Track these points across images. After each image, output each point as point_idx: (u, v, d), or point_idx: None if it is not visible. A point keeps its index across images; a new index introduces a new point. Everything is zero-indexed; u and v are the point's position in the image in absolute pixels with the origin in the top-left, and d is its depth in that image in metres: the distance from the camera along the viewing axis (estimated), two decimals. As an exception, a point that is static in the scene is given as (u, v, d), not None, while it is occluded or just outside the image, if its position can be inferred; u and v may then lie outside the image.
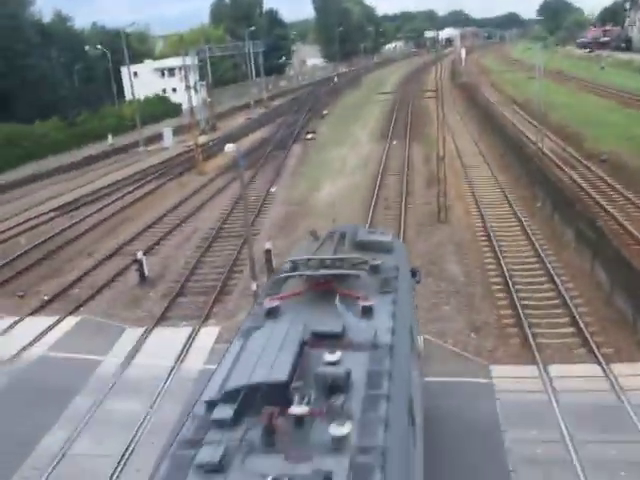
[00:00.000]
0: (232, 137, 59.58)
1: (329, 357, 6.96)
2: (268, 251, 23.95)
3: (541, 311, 19.90)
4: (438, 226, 28.96)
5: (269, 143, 55.84)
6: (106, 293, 24.14)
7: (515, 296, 20.73)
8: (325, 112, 75.04)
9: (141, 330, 20.35)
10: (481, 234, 27.84)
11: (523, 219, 29.13)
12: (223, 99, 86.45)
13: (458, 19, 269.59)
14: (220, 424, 6.18)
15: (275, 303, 8.75)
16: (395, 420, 6.47)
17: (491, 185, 36.33)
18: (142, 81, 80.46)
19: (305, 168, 45.05)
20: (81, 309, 22.50)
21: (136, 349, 19.04)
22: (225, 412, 6.26)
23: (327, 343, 7.30)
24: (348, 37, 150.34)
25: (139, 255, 25.39)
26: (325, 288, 9.07)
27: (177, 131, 63.66)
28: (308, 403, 6.22)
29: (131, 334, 20.04)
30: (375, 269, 9.81)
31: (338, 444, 5.83)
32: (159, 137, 62.14)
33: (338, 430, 5.88)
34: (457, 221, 29.85)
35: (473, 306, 20.62)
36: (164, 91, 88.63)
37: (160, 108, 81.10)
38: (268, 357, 6.79)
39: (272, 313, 8.60)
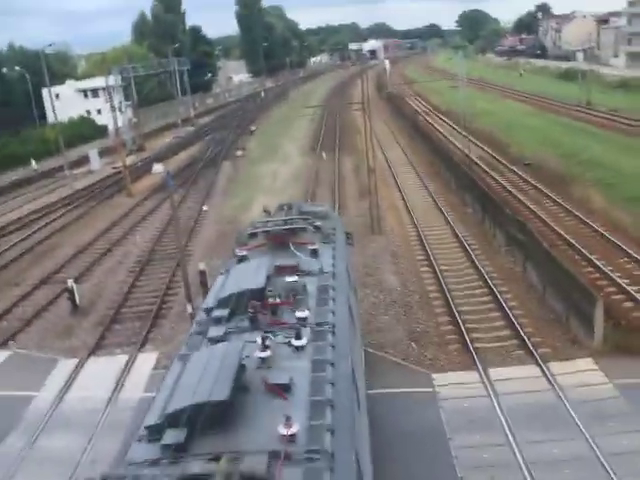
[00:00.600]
0: (160, 157, 58.91)
1: (290, 278, 10.31)
2: (202, 272, 23.61)
3: (478, 316, 20.20)
4: (372, 238, 29.18)
5: (198, 161, 55.48)
6: (36, 324, 23.34)
7: (452, 303, 20.99)
8: (253, 128, 75.03)
9: (75, 361, 19.75)
10: (415, 243, 28.17)
11: (455, 226, 29.61)
12: (149, 119, 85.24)
13: (381, 30, 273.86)
14: (219, 320, 9.13)
15: (244, 252, 12.12)
16: (339, 308, 9.81)
17: (422, 194, 36.96)
18: (65, 102, 78.51)
19: (236, 185, 44.94)
20: (10, 343, 21.68)
21: (70, 382, 18.45)
22: (221, 312, 9.32)
23: (287, 271, 10.60)
24: (273, 52, 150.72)
25: (69, 283, 24.67)
26: (281, 240, 12.49)
27: (104, 153, 62.41)
28: (279, 298, 9.40)
29: (64, 366, 19.42)
30: (317, 227, 13.26)
31: (302, 322, 8.77)
32: (86, 160, 60.75)
33: (302, 313, 8.99)
34: (391, 231, 30.21)
35: (411, 315, 20.77)
36: (88, 112, 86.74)
37: (85, 130, 79.39)
38: (247, 277, 10.08)
39: (242, 259, 11.85)
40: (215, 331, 8.76)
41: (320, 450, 6.07)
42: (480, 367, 16.91)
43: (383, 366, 17.20)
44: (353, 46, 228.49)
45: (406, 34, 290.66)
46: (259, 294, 9.41)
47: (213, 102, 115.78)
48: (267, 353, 7.76)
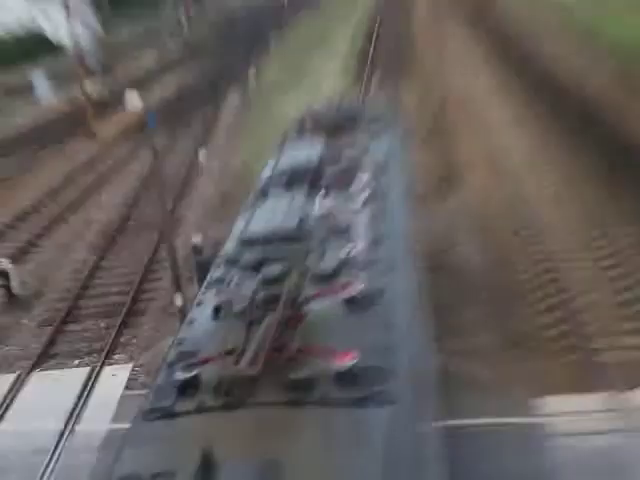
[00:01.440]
0: (140, 83, 59.15)
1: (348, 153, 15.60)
2: (197, 249, 23.73)
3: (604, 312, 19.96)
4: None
5: (194, 90, 56.02)
6: (-44, 324, 23.75)
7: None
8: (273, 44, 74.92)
9: (10, 378, 19.98)
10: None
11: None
12: (123, 27, 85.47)
13: None
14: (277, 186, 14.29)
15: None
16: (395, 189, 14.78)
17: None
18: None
19: (247, 125, 45.09)
20: None
21: (5, 407, 18.66)
22: (281, 181, 14.35)
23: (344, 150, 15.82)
24: None
25: (3, 263, 24.99)
26: (336, 130, 17.56)
27: (57, 77, 62.79)
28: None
29: (-3, 384, 19.64)
30: (373, 120, 18.60)
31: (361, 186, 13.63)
32: (29, 87, 61.32)
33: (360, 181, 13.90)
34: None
35: (505, 310, 20.66)
36: (33, 21, 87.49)
37: (28, 45, 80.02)
38: (303, 154, 15.72)
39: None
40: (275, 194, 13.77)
41: (377, 259, 10.66)
42: (609, 388, 16.62)
43: (467, 385, 17.10)
44: None
45: None
46: (314, 170, 14.31)
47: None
48: (329, 204, 12.68)
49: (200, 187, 35.14)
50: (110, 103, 52.41)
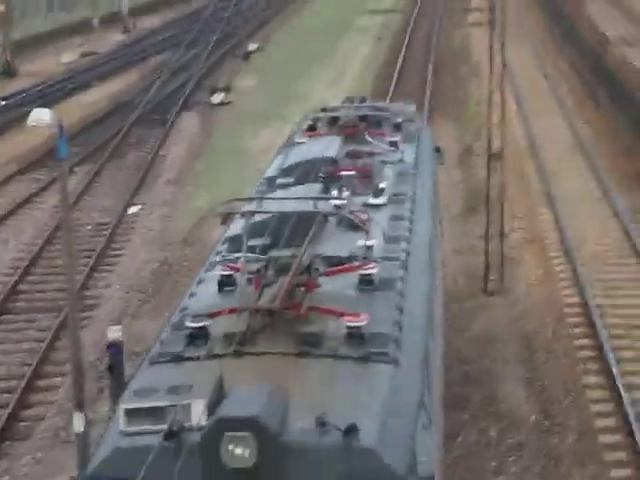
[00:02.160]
0: (51, 94, 59.03)
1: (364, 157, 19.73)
2: (115, 347, 23.24)
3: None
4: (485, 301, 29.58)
5: (131, 108, 56.14)
6: None
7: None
8: (253, 46, 75.29)
9: None
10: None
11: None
12: (30, 11, 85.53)
13: None
14: (283, 187, 17.97)
15: (305, 140, 21.78)
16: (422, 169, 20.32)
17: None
18: None
19: (204, 165, 45.36)
20: None
21: None
22: (286, 180, 18.32)
23: (360, 155, 19.49)
24: None
25: None
26: (354, 131, 21.34)
27: None
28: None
29: None
30: (398, 126, 22.76)
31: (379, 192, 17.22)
32: None
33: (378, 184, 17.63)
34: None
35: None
36: None
37: None
38: (316, 149, 19.65)
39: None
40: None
41: (395, 256, 14.20)
42: None
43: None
44: None
45: None
46: (331, 163, 17.97)
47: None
48: (344, 200, 15.65)
49: (127, 254, 34.91)
50: (7, 117, 52.24)
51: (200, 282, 13.61)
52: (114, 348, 23.23)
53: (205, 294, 13.00)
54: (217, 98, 58.33)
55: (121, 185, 42.53)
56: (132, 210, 39.23)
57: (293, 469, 9.49)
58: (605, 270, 31.90)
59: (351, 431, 9.48)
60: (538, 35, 76.74)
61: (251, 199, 17.07)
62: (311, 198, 15.57)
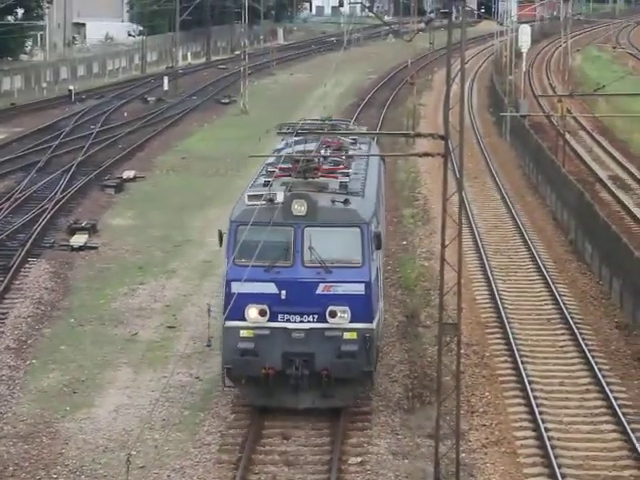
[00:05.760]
0: None
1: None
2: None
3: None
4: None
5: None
6: None
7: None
8: (129, 173, 70.49)
9: None
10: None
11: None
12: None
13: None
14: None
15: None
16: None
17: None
18: None
19: (57, 329, 40.79)
20: None
21: None
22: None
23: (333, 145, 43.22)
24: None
25: None
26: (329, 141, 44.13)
27: None
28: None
29: None
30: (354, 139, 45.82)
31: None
32: None
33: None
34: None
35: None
36: None
37: None
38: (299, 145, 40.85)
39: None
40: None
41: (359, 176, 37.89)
42: None
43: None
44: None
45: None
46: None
47: None
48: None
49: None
50: None
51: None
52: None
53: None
54: (78, 240, 52.23)
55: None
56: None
57: (321, 218, 29.65)
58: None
59: (346, 202, 30.12)
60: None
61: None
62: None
